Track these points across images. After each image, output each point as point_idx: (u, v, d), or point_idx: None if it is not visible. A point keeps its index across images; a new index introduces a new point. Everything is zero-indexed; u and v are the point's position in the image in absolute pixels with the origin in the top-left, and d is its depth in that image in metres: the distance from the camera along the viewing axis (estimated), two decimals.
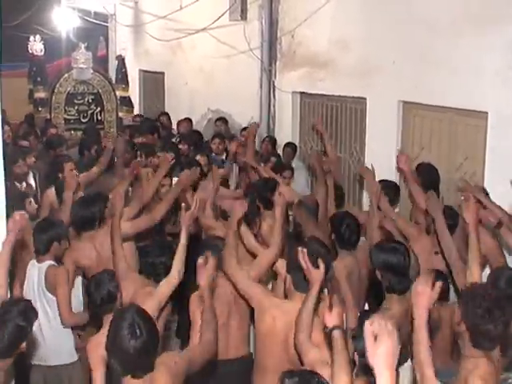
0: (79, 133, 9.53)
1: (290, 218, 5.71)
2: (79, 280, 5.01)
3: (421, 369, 2.79)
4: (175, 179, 5.98)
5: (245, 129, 8.57)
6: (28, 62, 11.17)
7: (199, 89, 10.56)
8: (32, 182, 6.84)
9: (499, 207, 4.64)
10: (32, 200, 5.76)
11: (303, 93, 8.37)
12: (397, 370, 2.18)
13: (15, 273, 4.72)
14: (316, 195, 5.81)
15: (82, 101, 10.07)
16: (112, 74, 11.35)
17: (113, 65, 12.48)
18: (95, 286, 3.89)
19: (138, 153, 7.17)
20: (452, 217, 4.61)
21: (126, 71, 11.06)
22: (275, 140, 8.32)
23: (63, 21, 12.73)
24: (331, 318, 3.02)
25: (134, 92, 12.23)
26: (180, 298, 4.33)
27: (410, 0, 6.36)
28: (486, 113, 5.45)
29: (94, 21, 12.92)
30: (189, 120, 9.58)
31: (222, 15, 9.13)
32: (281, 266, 4.25)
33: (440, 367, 4.22)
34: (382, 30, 6.67)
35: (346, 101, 7.61)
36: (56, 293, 4.49)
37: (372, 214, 4.92)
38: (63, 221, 4.95)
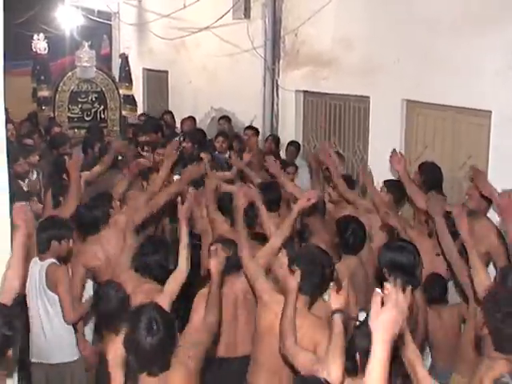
0: (83, 131, 9.54)
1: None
2: (90, 284, 5.03)
3: (413, 369, 2.80)
4: (176, 177, 5.97)
5: (248, 127, 8.60)
6: (32, 61, 11.22)
7: (203, 87, 10.56)
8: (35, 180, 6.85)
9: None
10: (36, 199, 5.77)
11: (306, 91, 8.36)
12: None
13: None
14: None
15: (85, 99, 10.09)
16: (115, 73, 11.35)
17: (116, 63, 12.48)
18: (102, 301, 3.83)
19: (145, 148, 7.15)
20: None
21: (129, 70, 11.06)
22: (278, 138, 8.32)
23: (67, 19, 12.77)
24: (336, 300, 3.09)
25: (138, 90, 12.23)
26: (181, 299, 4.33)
27: (412, 0, 6.35)
28: (490, 112, 5.44)
29: (98, 19, 12.92)
30: (192, 118, 9.57)
31: (226, 14, 9.11)
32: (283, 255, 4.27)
33: (442, 368, 4.26)
34: (385, 28, 6.66)
35: (349, 99, 7.60)
36: (57, 290, 4.49)
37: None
38: (66, 219, 4.95)
